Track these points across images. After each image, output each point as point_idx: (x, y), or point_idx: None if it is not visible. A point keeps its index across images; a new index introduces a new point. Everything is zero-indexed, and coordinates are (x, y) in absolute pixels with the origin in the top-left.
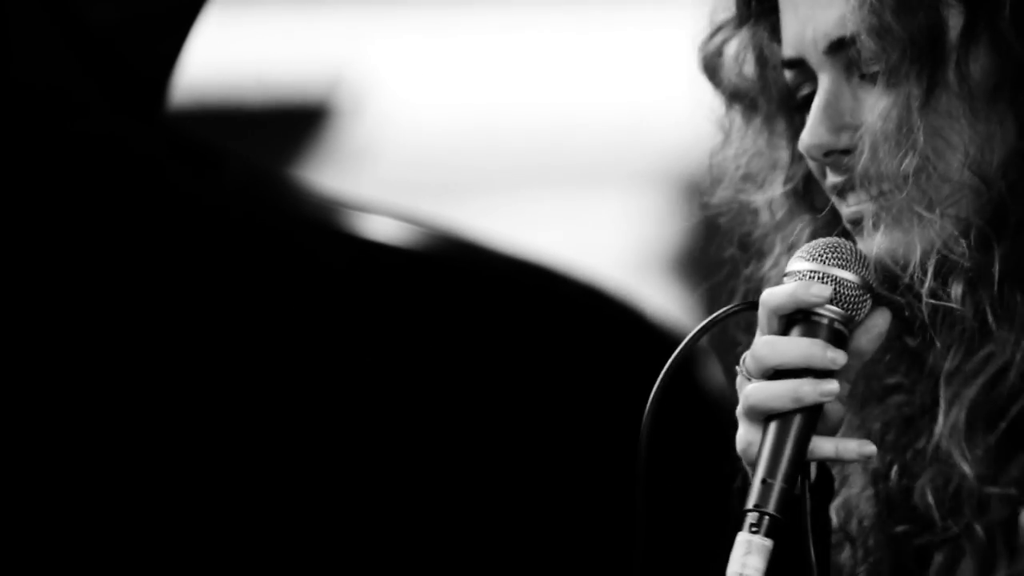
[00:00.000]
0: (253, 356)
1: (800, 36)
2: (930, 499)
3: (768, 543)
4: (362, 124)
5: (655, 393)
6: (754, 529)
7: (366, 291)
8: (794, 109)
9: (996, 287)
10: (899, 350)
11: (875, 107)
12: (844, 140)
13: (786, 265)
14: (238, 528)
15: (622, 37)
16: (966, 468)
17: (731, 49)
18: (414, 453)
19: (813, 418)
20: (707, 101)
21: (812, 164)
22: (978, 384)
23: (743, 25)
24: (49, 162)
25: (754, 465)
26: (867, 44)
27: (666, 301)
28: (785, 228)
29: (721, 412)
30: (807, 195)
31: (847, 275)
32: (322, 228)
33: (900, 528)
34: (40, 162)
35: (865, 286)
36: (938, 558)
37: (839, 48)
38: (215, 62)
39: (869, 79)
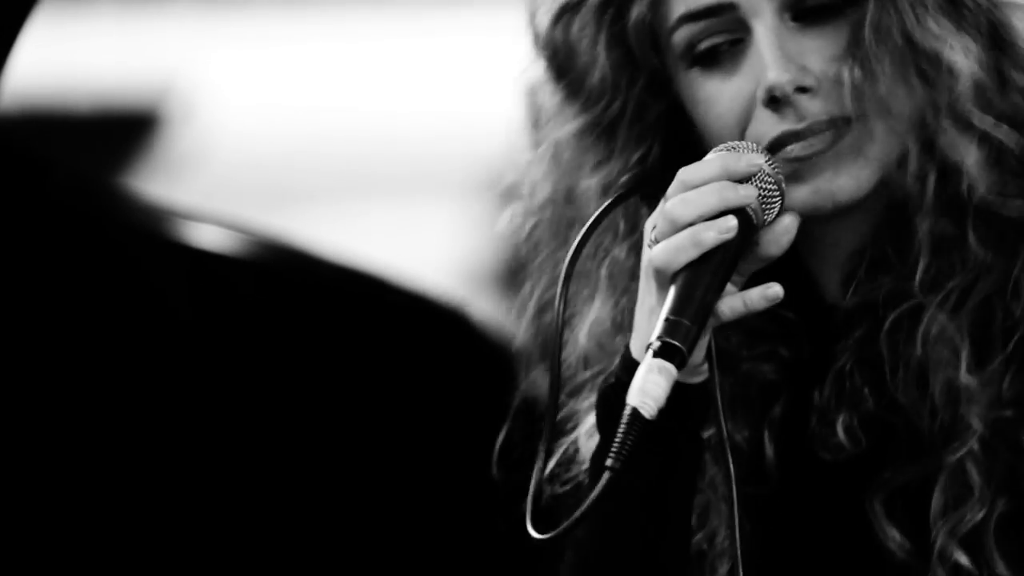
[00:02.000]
0: (78, 368)
1: None
2: (936, 427)
3: (672, 368)
4: (191, 131)
5: (563, 279)
6: (657, 355)
7: (194, 300)
8: (649, 99)
9: (977, 208)
10: (770, 318)
11: (829, 43)
12: (808, 78)
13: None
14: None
15: (451, 45)
16: (974, 384)
17: (583, 26)
18: (240, 457)
19: (722, 269)
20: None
21: (725, 117)
22: (972, 309)
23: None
24: None
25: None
26: None
27: (491, 309)
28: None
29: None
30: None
31: (771, 172)
32: (150, 237)
33: (751, 489)
34: None
35: (780, 188)
36: (877, 503)
37: None
38: (42, 67)
39: (802, 19)
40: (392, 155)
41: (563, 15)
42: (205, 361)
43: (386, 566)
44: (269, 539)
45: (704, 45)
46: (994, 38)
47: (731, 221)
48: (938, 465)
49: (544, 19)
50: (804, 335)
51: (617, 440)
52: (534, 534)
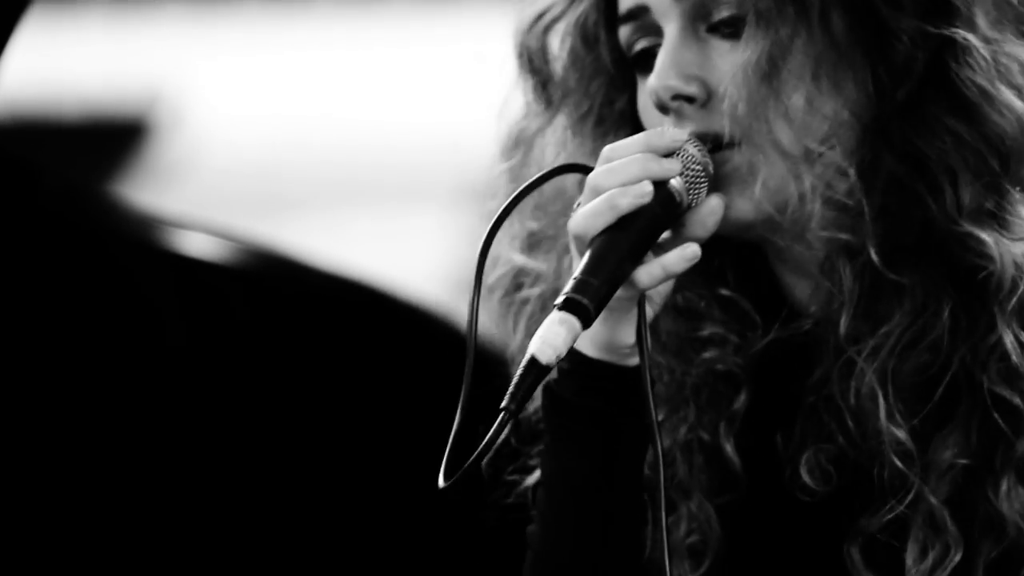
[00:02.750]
0: (67, 375)
1: None
2: (885, 477)
3: (574, 321)
4: (180, 139)
5: (477, 269)
6: (568, 310)
7: (182, 307)
8: (620, 84)
9: (878, 240)
10: (712, 298)
11: (731, 59)
12: (692, 88)
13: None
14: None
15: (439, 54)
16: (902, 436)
17: (556, 33)
18: (230, 464)
19: (639, 238)
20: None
21: (653, 119)
22: (898, 351)
23: (570, 5)
24: None
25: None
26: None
27: (480, 316)
28: None
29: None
30: None
31: (697, 154)
32: (140, 244)
33: (725, 498)
34: None
35: (707, 172)
36: (855, 550)
37: None
38: (32, 75)
39: (716, 31)
40: (380, 163)
41: (535, 22)
42: (194, 368)
43: (379, 571)
44: (258, 550)
45: (636, 47)
46: (927, 75)
47: (647, 187)
48: (910, 510)
49: (520, 26)
50: (760, 325)
51: (514, 383)
52: (441, 483)
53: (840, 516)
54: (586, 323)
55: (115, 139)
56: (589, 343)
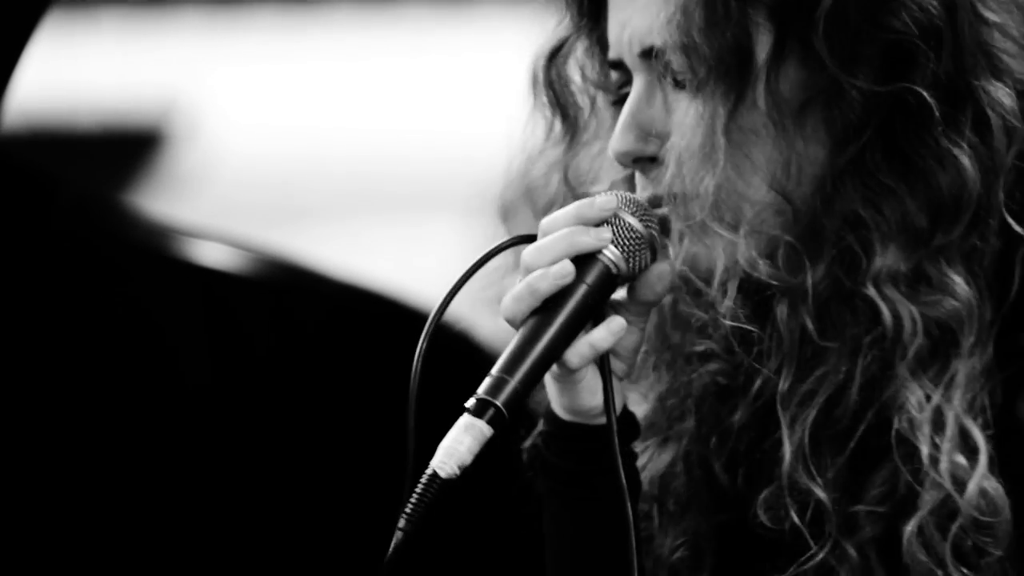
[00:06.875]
0: (85, 383)
1: (619, 38)
2: (793, 522)
3: (487, 430)
4: (195, 149)
5: (424, 338)
6: (476, 414)
7: (197, 317)
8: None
9: (815, 305)
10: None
11: (682, 120)
12: (652, 147)
13: None
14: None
15: (453, 64)
16: (820, 492)
17: (571, 59)
18: (242, 473)
19: (569, 319)
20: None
21: (625, 171)
22: (818, 406)
23: (582, 33)
24: None
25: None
26: (673, 59)
27: (493, 326)
28: None
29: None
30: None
31: (633, 221)
32: (155, 254)
33: (724, 516)
34: None
35: (649, 241)
36: None
37: (650, 55)
38: (47, 85)
39: (681, 86)
40: (394, 173)
41: (552, 56)
42: (210, 378)
43: None
44: (271, 560)
45: (622, 91)
46: (875, 134)
47: (567, 267)
48: (834, 558)
49: (538, 61)
50: (762, 343)
51: (412, 501)
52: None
53: (790, 555)
54: (499, 424)
55: (130, 149)
56: (559, 406)
